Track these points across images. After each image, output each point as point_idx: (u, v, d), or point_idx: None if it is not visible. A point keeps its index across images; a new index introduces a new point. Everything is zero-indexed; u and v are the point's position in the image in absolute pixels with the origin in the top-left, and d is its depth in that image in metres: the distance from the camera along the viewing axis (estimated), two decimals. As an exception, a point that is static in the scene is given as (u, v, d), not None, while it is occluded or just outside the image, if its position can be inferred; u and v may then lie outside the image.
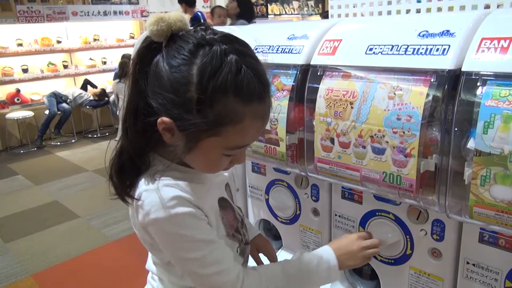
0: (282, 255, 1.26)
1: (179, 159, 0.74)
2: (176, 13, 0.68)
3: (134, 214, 0.75)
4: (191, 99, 0.64)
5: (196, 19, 4.70)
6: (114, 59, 6.44)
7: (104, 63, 6.73)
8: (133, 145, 0.72)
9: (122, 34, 6.92)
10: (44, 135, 5.52)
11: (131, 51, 5.07)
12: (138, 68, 0.70)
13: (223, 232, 0.80)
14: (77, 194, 3.86)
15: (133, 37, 6.88)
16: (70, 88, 6.02)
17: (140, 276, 0.88)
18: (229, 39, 0.67)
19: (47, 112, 5.47)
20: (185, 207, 0.70)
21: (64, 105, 5.60)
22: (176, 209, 0.69)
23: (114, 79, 5.79)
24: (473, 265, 0.86)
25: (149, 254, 0.87)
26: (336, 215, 1.10)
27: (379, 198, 0.99)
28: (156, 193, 0.69)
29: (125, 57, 5.73)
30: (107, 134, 6.02)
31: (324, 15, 7.02)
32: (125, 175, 0.74)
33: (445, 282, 0.92)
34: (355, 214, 1.05)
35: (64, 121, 5.67)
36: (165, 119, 0.66)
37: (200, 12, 4.88)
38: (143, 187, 0.71)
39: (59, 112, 5.54)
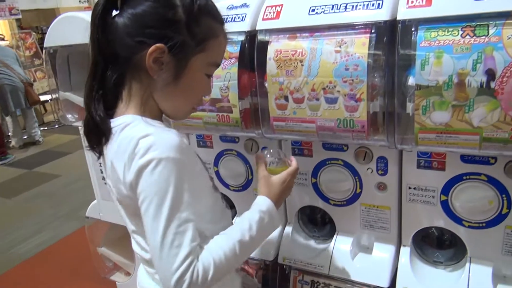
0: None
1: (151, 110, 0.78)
2: None
3: (120, 173, 0.72)
4: (180, 20, 0.73)
5: None
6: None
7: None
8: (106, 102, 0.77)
9: (-12, 36, 6.10)
10: None
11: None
12: (100, 30, 0.73)
13: (209, 183, 0.85)
14: (-34, 219, 3.36)
15: (2, 39, 6.10)
16: None
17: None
18: None
19: None
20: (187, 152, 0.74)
21: None
22: (181, 150, 0.71)
23: None
24: (414, 188, 1.02)
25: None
26: (288, 172, 1.18)
27: (328, 148, 1.10)
28: (161, 134, 0.71)
29: None
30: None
31: None
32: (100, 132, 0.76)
33: (391, 210, 1.07)
34: (307, 167, 1.15)
35: None
36: (158, 44, 0.71)
37: None
38: (138, 134, 0.70)
39: None
